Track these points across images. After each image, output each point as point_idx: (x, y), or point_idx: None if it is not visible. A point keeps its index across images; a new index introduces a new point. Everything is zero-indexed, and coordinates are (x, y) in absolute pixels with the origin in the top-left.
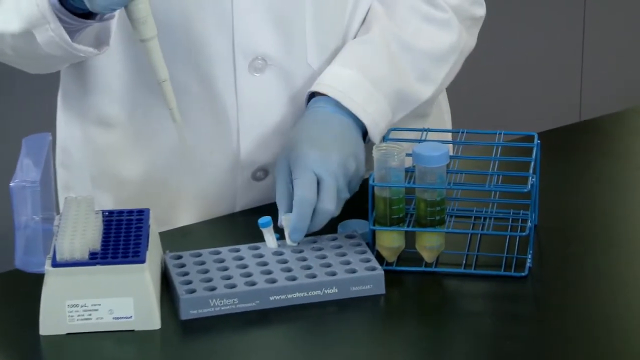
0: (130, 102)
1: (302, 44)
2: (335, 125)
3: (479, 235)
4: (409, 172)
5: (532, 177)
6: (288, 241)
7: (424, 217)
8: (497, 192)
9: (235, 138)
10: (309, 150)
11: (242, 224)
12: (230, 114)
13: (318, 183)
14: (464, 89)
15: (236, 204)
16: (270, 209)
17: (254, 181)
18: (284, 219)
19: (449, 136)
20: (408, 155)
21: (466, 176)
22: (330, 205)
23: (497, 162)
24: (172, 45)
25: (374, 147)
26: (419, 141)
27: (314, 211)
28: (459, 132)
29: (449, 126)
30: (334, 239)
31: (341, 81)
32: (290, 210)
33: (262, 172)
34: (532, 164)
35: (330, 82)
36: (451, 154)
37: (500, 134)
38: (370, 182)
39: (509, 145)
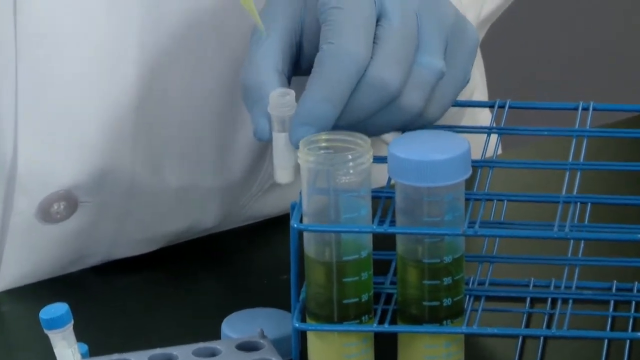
0: None
1: None
2: None
3: (540, 341)
4: (382, 197)
5: None
6: (277, 175)
7: (418, 300)
8: (581, 242)
9: (8, 125)
10: None
11: (8, 320)
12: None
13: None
14: (509, 34)
15: None
16: (74, 284)
17: (42, 224)
18: (274, 98)
19: (475, 116)
20: (378, 160)
21: (511, 206)
22: (393, 75)
23: (579, 172)
24: None
25: (300, 142)
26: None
27: (360, 82)
28: (494, 107)
29: (482, 97)
30: (214, 354)
31: None
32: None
33: (64, 205)
34: None
35: None
36: (476, 157)
37: (585, 108)
38: (293, 222)
39: (605, 136)
